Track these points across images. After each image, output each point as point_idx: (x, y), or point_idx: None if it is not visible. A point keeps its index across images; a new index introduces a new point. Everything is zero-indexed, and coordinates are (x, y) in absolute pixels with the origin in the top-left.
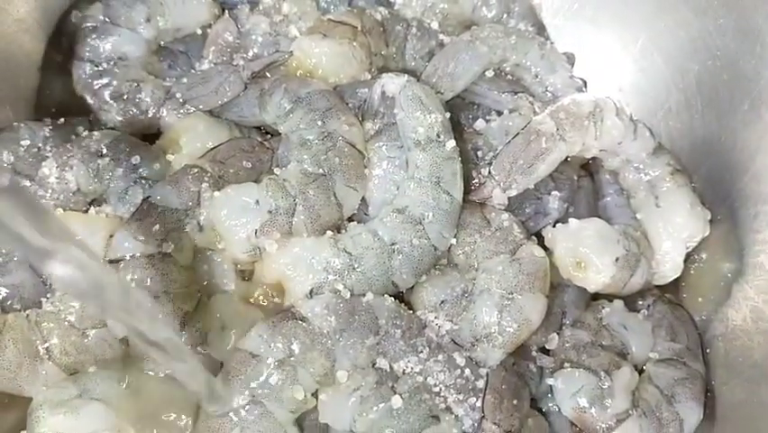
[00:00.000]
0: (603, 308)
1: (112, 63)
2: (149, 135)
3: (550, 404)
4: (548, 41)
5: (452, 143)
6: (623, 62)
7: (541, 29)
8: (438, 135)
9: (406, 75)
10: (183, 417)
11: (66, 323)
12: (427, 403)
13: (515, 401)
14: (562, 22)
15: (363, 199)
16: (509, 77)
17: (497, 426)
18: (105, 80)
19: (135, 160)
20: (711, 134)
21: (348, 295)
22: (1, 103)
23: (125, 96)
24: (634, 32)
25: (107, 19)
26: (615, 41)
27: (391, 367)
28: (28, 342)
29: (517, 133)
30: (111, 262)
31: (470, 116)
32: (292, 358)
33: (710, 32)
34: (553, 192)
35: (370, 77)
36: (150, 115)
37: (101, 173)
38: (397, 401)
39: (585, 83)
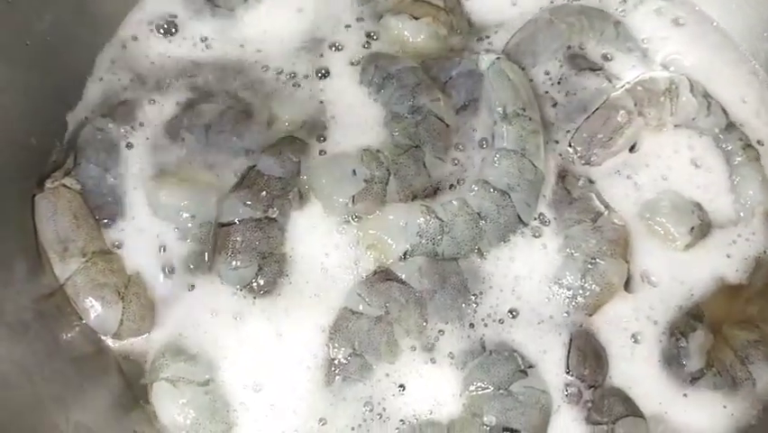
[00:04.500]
0: None
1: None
2: None
3: None
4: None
5: (536, 117)
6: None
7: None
8: (523, 109)
9: (494, 53)
10: None
11: None
12: (515, 358)
13: (597, 359)
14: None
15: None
16: (587, 53)
17: (581, 381)
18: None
19: (239, 131)
20: None
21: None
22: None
23: (225, 70)
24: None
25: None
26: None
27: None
28: (149, 296)
29: (597, 108)
30: (222, 225)
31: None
32: (389, 315)
33: None
34: None
35: (453, 53)
36: (248, 87)
37: (209, 144)
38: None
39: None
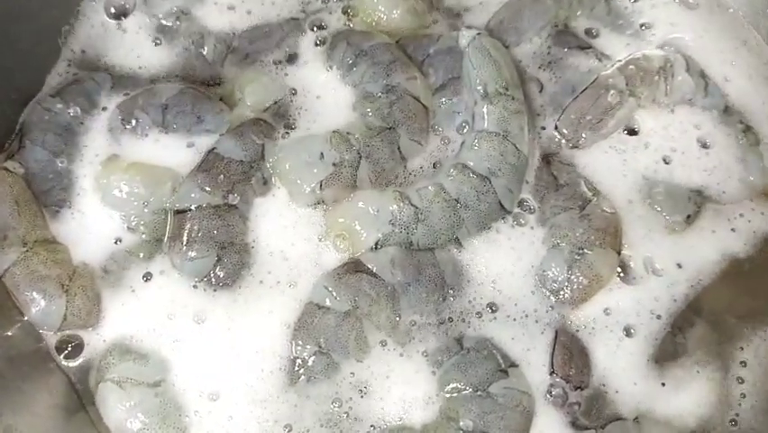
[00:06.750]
0: None
1: (174, 18)
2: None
3: None
4: None
5: (520, 97)
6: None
7: None
8: (506, 89)
9: (475, 29)
10: None
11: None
12: (495, 356)
13: (583, 358)
14: None
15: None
16: (575, 31)
17: (567, 381)
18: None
19: (199, 112)
20: None
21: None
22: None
23: (189, 50)
24: None
25: None
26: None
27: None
28: (96, 290)
29: (585, 88)
30: (178, 212)
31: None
32: (357, 310)
33: None
34: None
35: (431, 30)
36: (212, 67)
37: (166, 125)
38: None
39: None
